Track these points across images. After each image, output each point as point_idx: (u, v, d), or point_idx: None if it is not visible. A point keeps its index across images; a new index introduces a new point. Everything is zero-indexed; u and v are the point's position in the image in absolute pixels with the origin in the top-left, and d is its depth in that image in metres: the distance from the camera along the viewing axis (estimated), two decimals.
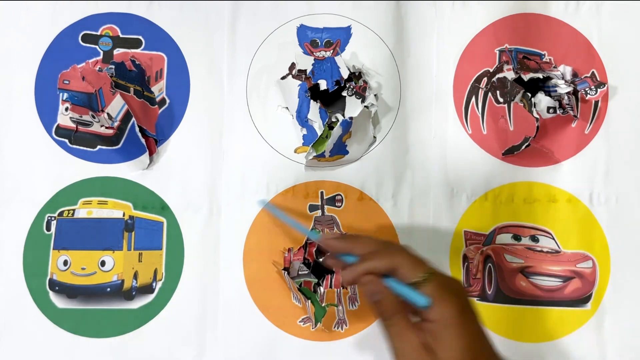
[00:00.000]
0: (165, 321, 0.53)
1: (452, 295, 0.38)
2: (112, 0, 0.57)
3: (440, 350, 0.37)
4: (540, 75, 0.53)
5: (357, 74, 0.54)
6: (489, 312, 0.53)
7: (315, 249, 0.54)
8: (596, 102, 0.55)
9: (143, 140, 0.54)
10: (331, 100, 0.55)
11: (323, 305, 0.53)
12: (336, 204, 0.55)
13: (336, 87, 0.54)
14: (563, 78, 0.54)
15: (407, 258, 0.40)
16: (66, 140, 0.55)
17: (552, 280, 0.53)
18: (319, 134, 0.54)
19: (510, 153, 0.55)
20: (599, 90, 0.53)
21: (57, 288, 0.54)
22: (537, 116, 0.53)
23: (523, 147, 0.54)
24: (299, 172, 0.55)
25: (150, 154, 0.55)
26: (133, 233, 0.55)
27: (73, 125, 0.55)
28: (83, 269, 0.54)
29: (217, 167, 0.55)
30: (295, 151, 0.55)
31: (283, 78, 0.55)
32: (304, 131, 0.55)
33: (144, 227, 0.55)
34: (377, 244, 0.42)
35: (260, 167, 0.55)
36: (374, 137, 0.55)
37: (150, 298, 0.54)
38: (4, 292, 0.54)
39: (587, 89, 0.53)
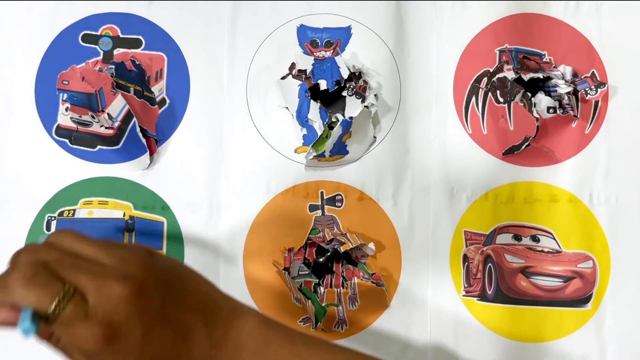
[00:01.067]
0: None
1: (88, 322, 0.31)
2: (112, 0, 0.57)
3: None
4: (540, 75, 0.53)
5: (357, 74, 0.54)
6: (489, 312, 0.53)
7: (315, 249, 0.54)
8: (596, 102, 0.55)
9: (144, 141, 0.54)
10: (331, 100, 0.55)
11: (323, 305, 0.53)
12: (336, 204, 0.55)
13: (336, 87, 0.54)
14: (563, 78, 0.54)
15: (24, 288, 0.31)
16: (66, 141, 0.56)
17: (552, 281, 0.53)
18: (319, 134, 0.54)
19: (511, 153, 0.55)
20: (599, 90, 0.53)
21: None
22: (537, 116, 0.53)
23: (523, 147, 0.53)
24: (299, 172, 0.55)
25: (151, 154, 0.55)
26: (134, 233, 0.55)
27: (73, 126, 0.55)
28: None
29: (217, 167, 0.55)
30: (295, 151, 0.55)
31: (283, 78, 0.55)
32: (304, 131, 0.55)
33: (144, 227, 0.55)
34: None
35: (260, 167, 0.55)
36: (374, 137, 0.55)
37: None
38: None
39: (587, 89, 0.53)
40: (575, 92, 0.54)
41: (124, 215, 0.55)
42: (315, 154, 0.53)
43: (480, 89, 0.56)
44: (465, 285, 0.54)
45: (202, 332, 0.34)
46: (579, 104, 0.55)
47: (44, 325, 0.31)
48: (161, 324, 0.33)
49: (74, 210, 0.55)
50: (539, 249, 0.54)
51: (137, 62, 0.56)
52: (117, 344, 0.32)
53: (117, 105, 0.54)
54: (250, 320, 0.36)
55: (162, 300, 0.34)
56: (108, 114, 0.54)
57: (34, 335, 0.30)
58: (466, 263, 0.54)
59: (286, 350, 0.35)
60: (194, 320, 0.35)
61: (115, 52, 0.56)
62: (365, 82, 0.54)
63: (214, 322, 0.35)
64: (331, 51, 0.56)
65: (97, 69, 0.55)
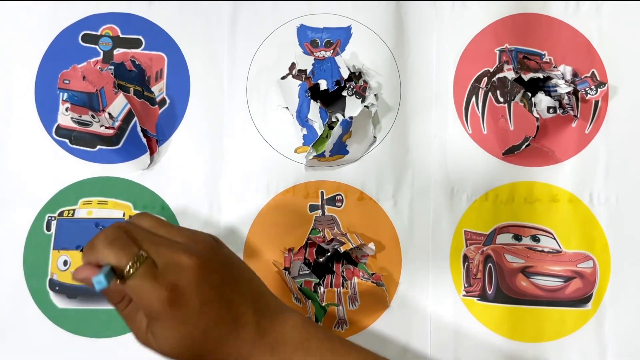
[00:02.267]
0: None
1: (156, 284, 0.35)
2: (112, 0, 0.57)
3: (155, 337, 0.37)
4: (540, 75, 0.53)
5: (357, 74, 0.54)
6: (489, 312, 0.53)
7: (315, 249, 0.54)
8: (596, 102, 0.55)
9: (144, 140, 0.54)
10: (331, 100, 0.55)
11: (323, 305, 0.53)
12: (336, 204, 0.55)
13: (336, 87, 0.54)
14: (563, 78, 0.54)
15: (106, 248, 0.36)
16: (66, 140, 0.56)
17: (553, 280, 0.53)
18: (319, 133, 0.54)
19: (511, 153, 0.55)
20: (599, 90, 0.53)
21: (57, 288, 0.54)
22: (537, 116, 0.53)
23: (523, 146, 0.53)
24: (299, 172, 0.55)
25: (151, 154, 0.55)
26: None
27: (73, 126, 0.55)
28: None
29: (217, 167, 0.55)
30: (295, 151, 0.55)
31: (283, 78, 0.55)
32: (304, 131, 0.55)
33: None
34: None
35: (260, 167, 0.55)
36: (374, 137, 0.55)
37: None
38: (4, 292, 0.54)
39: (587, 89, 0.53)
40: (575, 92, 0.54)
41: (124, 215, 0.55)
42: (315, 154, 0.53)
43: (480, 89, 0.56)
44: (465, 285, 0.54)
45: (252, 318, 0.38)
46: (579, 103, 0.55)
47: (119, 283, 0.35)
48: (218, 300, 0.37)
49: (74, 210, 0.55)
50: (539, 248, 0.54)
51: (137, 62, 0.56)
52: (178, 309, 0.35)
53: (118, 105, 0.54)
54: (294, 317, 0.40)
55: (222, 279, 0.38)
56: (109, 114, 0.54)
57: (105, 290, 0.35)
58: (466, 263, 0.54)
59: (325, 346, 0.38)
60: (246, 305, 0.38)
61: (115, 52, 0.56)
62: (365, 82, 0.54)
63: (263, 312, 0.39)
64: (331, 51, 0.56)
65: (98, 68, 0.55)
